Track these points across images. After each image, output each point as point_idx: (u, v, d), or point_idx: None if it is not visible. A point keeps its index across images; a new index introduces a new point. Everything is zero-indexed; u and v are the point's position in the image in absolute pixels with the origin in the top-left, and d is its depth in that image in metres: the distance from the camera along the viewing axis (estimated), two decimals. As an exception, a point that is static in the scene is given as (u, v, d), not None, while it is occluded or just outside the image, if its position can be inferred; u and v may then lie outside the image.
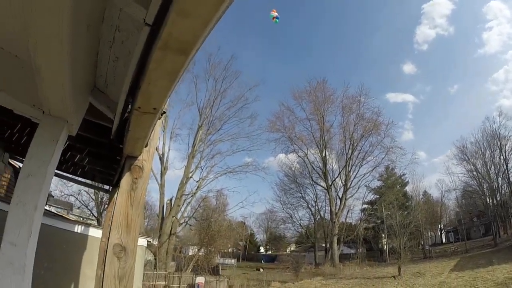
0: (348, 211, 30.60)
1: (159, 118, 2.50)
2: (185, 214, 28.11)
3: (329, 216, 29.79)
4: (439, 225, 46.45)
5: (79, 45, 1.52)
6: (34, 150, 2.11)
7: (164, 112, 2.62)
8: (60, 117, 2.24)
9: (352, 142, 29.47)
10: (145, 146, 2.90)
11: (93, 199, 28.74)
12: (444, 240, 47.27)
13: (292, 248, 54.94)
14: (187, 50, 1.23)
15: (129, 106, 2.00)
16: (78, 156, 5.46)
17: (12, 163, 6.53)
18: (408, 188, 38.28)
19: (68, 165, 6.20)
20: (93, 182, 7.60)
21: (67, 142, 4.74)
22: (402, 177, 37.19)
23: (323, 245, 32.88)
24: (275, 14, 16.42)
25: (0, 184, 6.56)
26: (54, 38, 1.35)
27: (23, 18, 1.40)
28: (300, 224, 37.93)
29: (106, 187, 6.54)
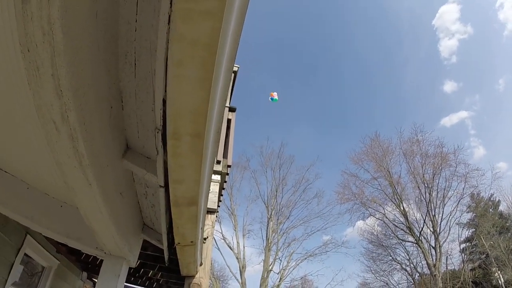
0: (446, 258, 25.58)
1: (204, 243, 2.62)
2: (272, 308, 26.15)
3: (428, 270, 25.19)
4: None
5: (118, 207, 1.77)
6: (101, 284, 2.49)
7: (206, 238, 2.76)
8: (119, 256, 2.49)
9: (426, 185, 26.29)
10: (200, 265, 3.00)
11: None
12: None
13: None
14: (195, 202, 1.34)
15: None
16: (151, 271, 5.81)
17: (94, 279, 7.17)
18: (501, 207, 31.47)
19: (143, 279, 6.56)
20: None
21: (139, 261, 5.13)
22: (492, 199, 31.04)
23: (430, 303, 26.98)
24: (275, 96, 15.06)
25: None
26: (94, 209, 1.60)
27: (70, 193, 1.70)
28: (398, 289, 32.27)
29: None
